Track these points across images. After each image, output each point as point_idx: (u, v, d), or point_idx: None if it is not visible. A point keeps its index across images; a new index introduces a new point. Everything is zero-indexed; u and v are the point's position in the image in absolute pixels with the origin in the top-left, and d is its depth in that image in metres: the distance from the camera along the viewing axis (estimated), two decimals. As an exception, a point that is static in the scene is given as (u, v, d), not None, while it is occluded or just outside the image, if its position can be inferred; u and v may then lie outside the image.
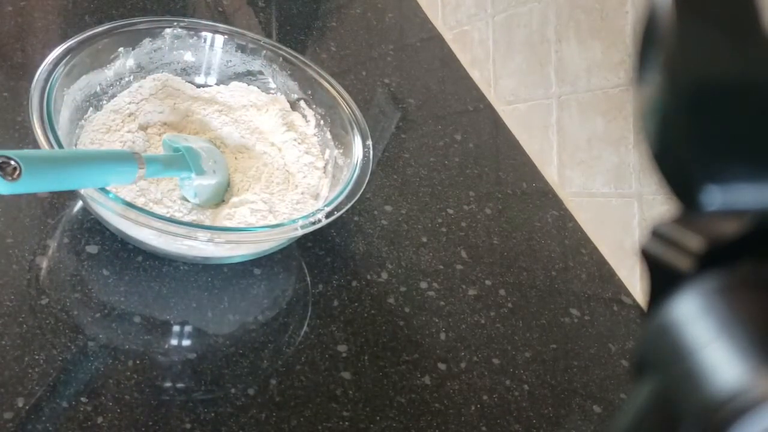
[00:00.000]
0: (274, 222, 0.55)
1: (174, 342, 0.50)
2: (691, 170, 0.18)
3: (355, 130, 0.60)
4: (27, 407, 0.43)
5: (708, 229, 0.17)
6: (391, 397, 0.51)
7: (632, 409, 0.18)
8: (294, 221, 0.51)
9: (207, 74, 0.66)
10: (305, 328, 0.53)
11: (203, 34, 0.65)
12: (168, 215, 0.53)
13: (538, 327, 0.60)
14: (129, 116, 0.59)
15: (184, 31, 0.64)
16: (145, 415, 0.45)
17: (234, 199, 0.57)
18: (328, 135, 0.63)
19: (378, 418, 0.50)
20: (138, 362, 0.47)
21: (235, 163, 0.61)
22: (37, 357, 0.46)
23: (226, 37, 0.65)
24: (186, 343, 0.50)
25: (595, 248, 0.70)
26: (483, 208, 0.69)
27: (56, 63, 0.54)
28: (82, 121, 0.57)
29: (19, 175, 0.40)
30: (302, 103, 0.65)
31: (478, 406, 0.53)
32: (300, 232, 0.51)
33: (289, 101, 0.66)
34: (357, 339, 0.54)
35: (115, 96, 0.60)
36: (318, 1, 0.88)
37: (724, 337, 0.16)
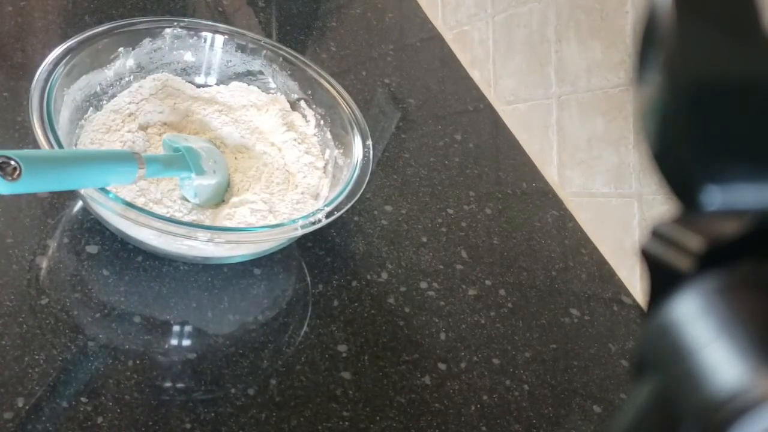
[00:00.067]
0: (274, 222, 0.55)
1: (174, 342, 0.50)
2: (691, 170, 0.18)
3: (355, 130, 0.60)
4: (27, 407, 0.43)
5: (708, 229, 0.17)
6: (391, 397, 0.51)
7: (632, 409, 0.18)
8: (294, 221, 0.51)
9: (207, 74, 0.66)
10: (305, 328, 0.53)
11: (203, 34, 0.65)
12: (168, 215, 0.53)
13: (538, 327, 0.60)
14: (129, 116, 0.59)
15: (184, 31, 0.64)
16: (145, 415, 0.45)
17: (234, 199, 0.57)
18: (328, 135, 0.63)
19: (378, 418, 0.50)
20: (138, 362, 0.47)
21: (235, 163, 0.61)
22: (37, 357, 0.46)
23: (226, 37, 0.65)
24: (186, 343, 0.50)
25: (595, 248, 0.70)
26: (483, 208, 0.69)
27: (56, 63, 0.54)
28: (82, 121, 0.57)
29: (19, 175, 0.40)
30: (302, 103, 0.65)
31: (478, 406, 0.53)
32: (300, 232, 0.51)
33: (289, 101, 0.66)
34: (357, 339, 0.54)
35: (115, 96, 0.60)
36: (318, 1, 0.88)
37: (724, 337, 0.16)
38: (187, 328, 0.51)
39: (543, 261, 0.66)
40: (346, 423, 0.49)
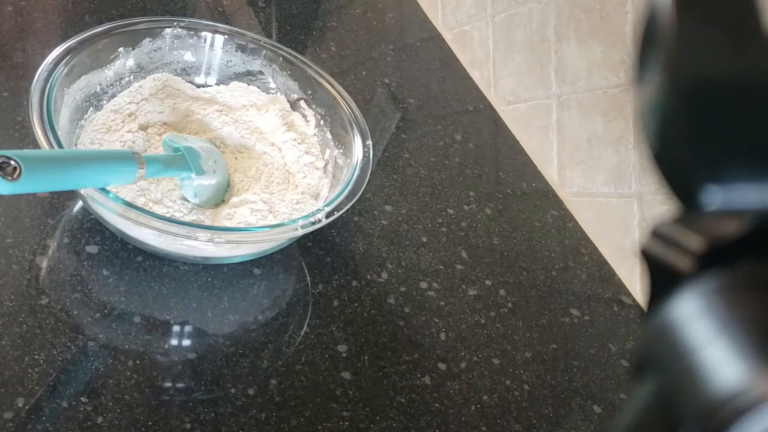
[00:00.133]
0: (274, 222, 0.55)
1: (174, 342, 0.50)
2: (691, 170, 0.18)
3: (355, 130, 0.60)
4: (27, 407, 0.43)
5: (708, 229, 0.17)
6: (391, 397, 0.51)
7: (632, 409, 0.18)
8: (294, 221, 0.51)
9: (207, 74, 0.66)
10: (305, 328, 0.53)
11: (203, 34, 0.65)
12: (168, 215, 0.53)
13: (538, 327, 0.60)
14: (129, 116, 0.59)
15: (184, 31, 0.64)
16: (145, 415, 0.45)
17: (234, 199, 0.57)
18: (328, 135, 0.63)
19: (378, 418, 0.50)
20: (138, 362, 0.47)
21: (235, 163, 0.61)
22: (37, 357, 0.46)
23: (226, 37, 0.65)
24: (186, 343, 0.50)
25: (595, 248, 0.70)
26: (483, 208, 0.69)
27: (56, 63, 0.54)
28: (82, 121, 0.57)
29: (19, 175, 0.40)
30: (302, 103, 0.65)
31: (478, 406, 0.53)
32: (300, 232, 0.51)
33: (289, 101, 0.66)
34: (357, 339, 0.54)
35: (115, 96, 0.60)
36: (318, 1, 0.88)
37: (724, 337, 0.16)
38: (187, 328, 0.51)
39: (543, 261, 0.66)
40: (346, 423, 0.49)
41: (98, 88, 0.59)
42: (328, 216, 0.52)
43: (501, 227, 0.68)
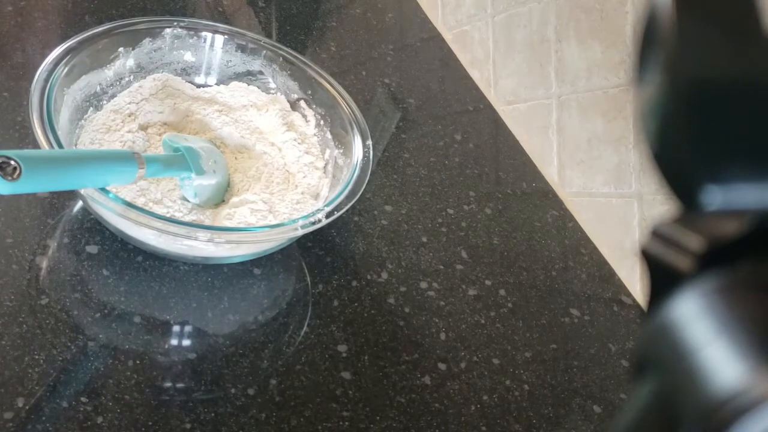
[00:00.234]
0: (274, 222, 0.55)
1: (174, 342, 0.50)
2: (691, 170, 0.18)
3: (355, 130, 0.60)
4: (27, 407, 0.43)
5: (708, 229, 0.17)
6: (391, 397, 0.51)
7: (632, 409, 0.18)
8: (294, 221, 0.51)
9: (207, 74, 0.66)
10: (305, 328, 0.53)
11: (203, 34, 0.65)
12: (168, 215, 0.53)
13: (538, 327, 0.60)
14: (129, 116, 0.59)
15: (184, 31, 0.64)
16: (145, 415, 0.45)
17: (234, 199, 0.57)
18: (328, 135, 0.63)
19: (378, 418, 0.50)
20: (138, 362, 0.47)
21: (235, 163, 0.61)
22: (37, 357, 0.46)
23: (226, 37, 0.65)
24: (186, 343, 0.50)
25: (595, 248, 0.70)
26: (483, 208, 0.69)
27: (56, 63, 0.54)
28: (82, 121, 0.57)
29: (19, 175, 0.40)
30: (302, 103, 0.65)
31: (478, 406, 0.53)
32: (300, 232, 0.51)
33: (289, 101, 0.66)
34: (357, 339, 0.54)
35: (115, 96, 0.60)
36: (318, 1, 0.88)
37: (724, 337, 0.16)
38: (187, 328, 0.51)
39: (543, 261, 0.66)
40: (346, 423, 0.49)
41: (98, 88, 0.59)
42: (328, 216, 0.52)
43: (501, 227, 0.68)
